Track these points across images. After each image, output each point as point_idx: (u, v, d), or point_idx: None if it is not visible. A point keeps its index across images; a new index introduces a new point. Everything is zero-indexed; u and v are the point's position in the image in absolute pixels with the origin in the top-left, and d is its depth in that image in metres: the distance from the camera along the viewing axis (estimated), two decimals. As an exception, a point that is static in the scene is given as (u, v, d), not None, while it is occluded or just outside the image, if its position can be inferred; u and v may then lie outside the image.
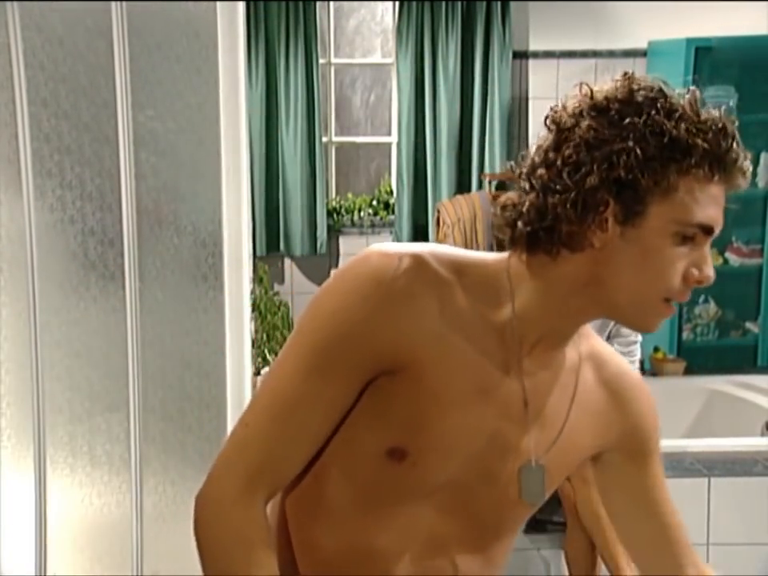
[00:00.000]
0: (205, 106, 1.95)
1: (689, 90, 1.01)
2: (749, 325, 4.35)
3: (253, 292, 3.22)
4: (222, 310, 2.02)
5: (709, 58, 4.02)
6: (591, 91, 1.01)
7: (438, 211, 4.18)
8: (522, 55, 4.37)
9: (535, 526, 2.79)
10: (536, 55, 4.39)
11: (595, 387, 1.14)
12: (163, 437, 1.96)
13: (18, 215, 1.71)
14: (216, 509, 1.02)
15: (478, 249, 4.11)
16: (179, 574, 2.01)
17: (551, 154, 1.01)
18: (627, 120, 0.97)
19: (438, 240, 4.17)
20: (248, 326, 2.47)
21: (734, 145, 0.99)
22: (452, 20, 4.27)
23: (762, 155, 4.19)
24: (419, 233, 4.46)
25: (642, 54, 4.34)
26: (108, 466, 1.90)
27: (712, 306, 4.33)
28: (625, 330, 2.77)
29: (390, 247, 1.03)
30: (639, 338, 2.81)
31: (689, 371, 4.03)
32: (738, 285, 4.32)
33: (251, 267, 3.18)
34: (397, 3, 4.35)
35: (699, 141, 0.97)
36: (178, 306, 1.97)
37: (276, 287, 4.27)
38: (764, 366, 4.24)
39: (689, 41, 3.98)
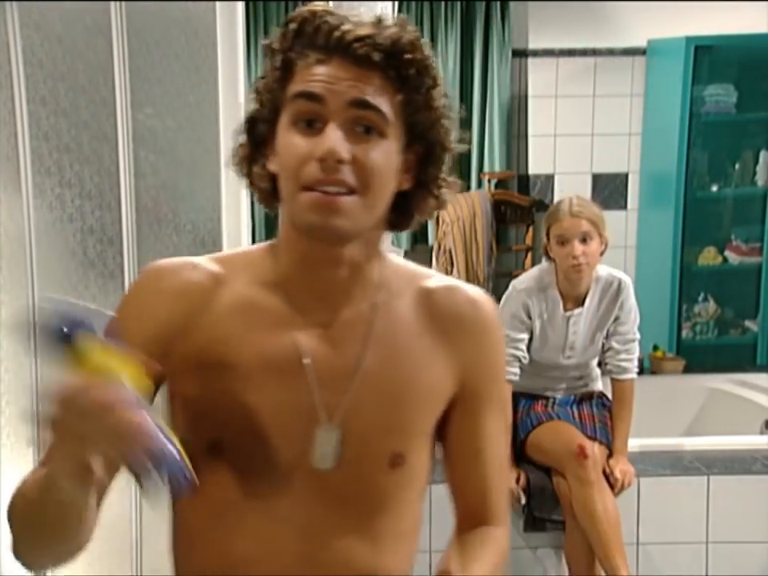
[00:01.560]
0: (204, 105, 1.95)
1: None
2: (748, 323, 4.35)
3: (252, 290, 3.21)
4: (221, 308, 2.01)
5: (708, 57, 4.01)
6: None
7: (438, 210, 4.17)
8: (521, 53, 4.36)
9: (534, 524, 2.79)
10: (535, 54, 4.38)
11: (423, 329, 1.10)
12: (162, 435, 1.96)
13: (17, 213, 1.72)
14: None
15: (477, 247, 4.11)
16: (178, 572, 2.00)
17: None
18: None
19: (437, 239, 4.17)
20: (247, 325, 2.46)
21: (298, 28, 1.01)
22: (451, 19, 4.26)
23: (762, 154, 4.19)
24: (418, 231, 4.45)
25: (642, 52, 4.33)
26: (107, 464, 1.90)
27: (711, 305, 4.33)
28: (623, 329, 2.77)
29: (162, 261, 1.09)
30: (638, 335, 2.81)
31: (688, 370, 4.03)
32: (738, 283, 4.32)
33: (250, 266, 3.18)
34: (396, 2, 4.34)
35: (276, 43, 1.03)
36: (178, 304, 1.97)
37: (275, 286, 4.27)
38: (763, 364, 4.23)
39: (688, 39, 3.97)
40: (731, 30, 4.07)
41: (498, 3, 4.24)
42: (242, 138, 1.08)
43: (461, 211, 4.09)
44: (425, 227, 4.41)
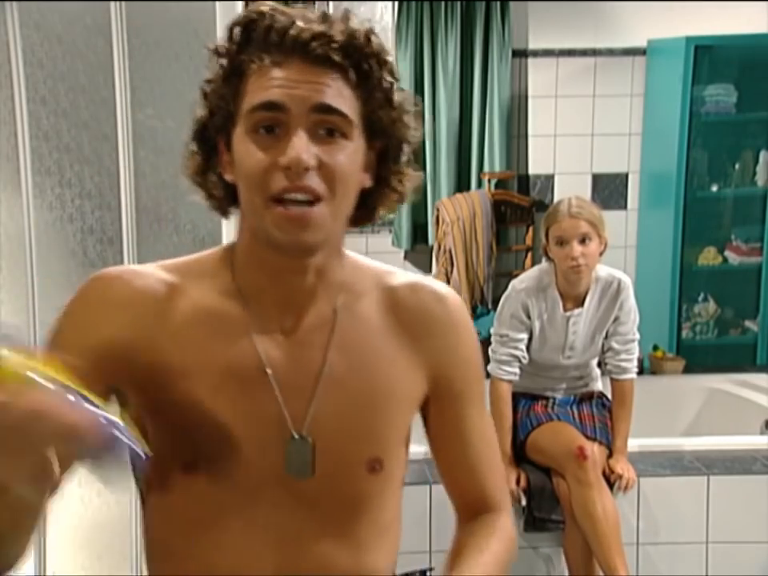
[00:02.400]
0: (204, 105, 1.94)
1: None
2: (748, 323, 4.35)
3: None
4: (221, 308, 2.01)
5: (708, 57, 4.01)
6: None
7: (438, 210, 4.17)
8: (521, 54, 4.36)
9: (534, 524, 2.79)
10: (535, 54, 4.38)
11: (389, 329, 1.08)
12: (162, 435, 1.96)
13: (17, 213, 1.71)
14: None
15: (477, 247, 4.11)
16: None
17: None
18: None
19: (437, 239, 4.17)
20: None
21: (245, 30, 0.98)
22: (451, 18, 4.26)
23: (762, 154, 4.19)
24: (419, 231, 4.45)
25: (642, 52, 4.33)
26: (107, 464, 1.89)
27: (711, 305, 4.33)
28: (622, 329, 2.77)
29: (112, 269, 1.06)
30: (637, 336, 2.81)
31: (688, 370, 4.03)
32: (738, 283, 4.32)
33: (250, 266, 3.18)
34: (396, 2, 4.34)
35: (225, 47, 1.00)
36: (177, 304, 1.97)
37: (275, 286, 4.27)
38: (763, 364, 4.23)
39: (688, 39, 3.97)
40: (731, 29, 4.07)
41: (498, 3, 4.24)
42: (193, 146, 1.04)
43: (461, 211, 4.09)
44: (425, 227, 4.42)
